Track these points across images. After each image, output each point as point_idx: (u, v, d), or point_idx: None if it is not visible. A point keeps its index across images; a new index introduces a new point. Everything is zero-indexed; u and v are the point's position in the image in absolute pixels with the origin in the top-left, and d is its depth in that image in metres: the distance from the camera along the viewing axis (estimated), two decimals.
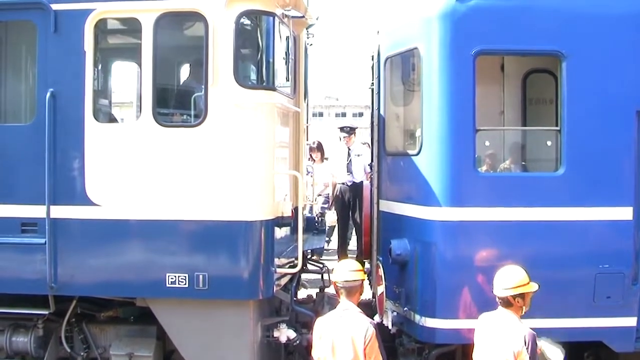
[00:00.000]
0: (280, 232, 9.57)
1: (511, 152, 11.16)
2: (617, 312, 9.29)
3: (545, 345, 8.53)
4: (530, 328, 7.68)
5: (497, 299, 7.97)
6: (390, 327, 10.11)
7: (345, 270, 8.28)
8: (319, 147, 17.36)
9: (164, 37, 9.12)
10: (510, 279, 7.89)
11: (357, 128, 17.47)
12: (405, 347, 9.86)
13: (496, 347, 7.76)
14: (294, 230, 10.00)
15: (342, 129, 17.26)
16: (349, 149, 16.54)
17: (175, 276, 8.82)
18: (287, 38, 10.13)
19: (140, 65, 9.03)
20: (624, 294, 9.32)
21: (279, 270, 9.24)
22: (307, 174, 14.21)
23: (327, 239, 15.94)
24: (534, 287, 7.90)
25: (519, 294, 7.81)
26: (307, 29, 11.67)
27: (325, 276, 11.62)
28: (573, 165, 9.19)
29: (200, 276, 8.80)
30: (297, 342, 9.76)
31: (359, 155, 16.34)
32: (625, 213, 9.27)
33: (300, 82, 11.35)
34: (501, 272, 8.04)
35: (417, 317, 9.51)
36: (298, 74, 11.25)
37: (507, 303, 7.87)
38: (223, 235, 8.85)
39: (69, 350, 9.80)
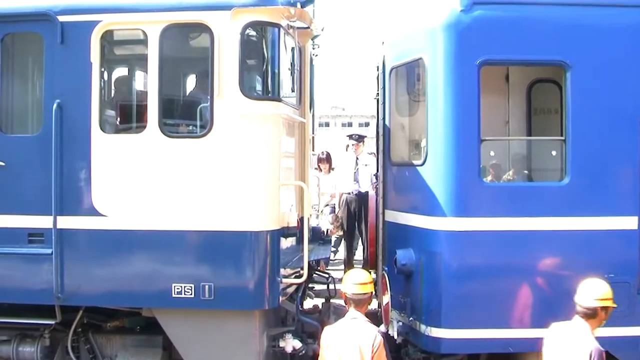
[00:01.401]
0: (286, 243, 9.59)
1: (516, 162, 11.17)
2: (622, 321, 9.24)
3: None
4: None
5: (578, 309, 7.78)
6: (395, 337, 10.10)
7: (355, 282, 8.29)
8: (328, 158, 17.35)
9: (170, 48, 9.18)
10: (599, 289, 7.74)
11: (365, 137, 17.48)
12: (411, 357, 9.85)
13: (569, 357, 7.67)
14: (300, 241, 10.02)
15: (351, 136, 17.27)
16: (357, 158, 16.54)
17: (181, 286, 8.85)
18: (293, 49, 10.16)
19: (146, 76, 9.08)
20: (629, 303, 9.29)
21: (284, 280, 9.25)
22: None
23: (334, 249, 15.96)
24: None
25: (605, 306, 7.74)
26: (312, 39, 11.70)
27: (331, 286, 11.64)
28: (578, 174, 9.19)
29: (206, 286, 8.82)
30: (303, 352, 9.77)
31: (366, 165, 16.33)
32: (630, 222, 9.25)
33: (305, 93, 11.38)
34: (588, 283, 7.87)
35: (423, 327, 9.51)
36: (303, 85, 11.28)
37: (591, 314, 7.69)
38: (229, 245, 8.88)
39: None
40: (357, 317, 8.18)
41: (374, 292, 8.64)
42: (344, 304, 8.61)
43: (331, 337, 8.16)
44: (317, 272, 11.85)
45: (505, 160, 11.19)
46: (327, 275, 11.96)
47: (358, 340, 7.94)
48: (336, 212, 17.00)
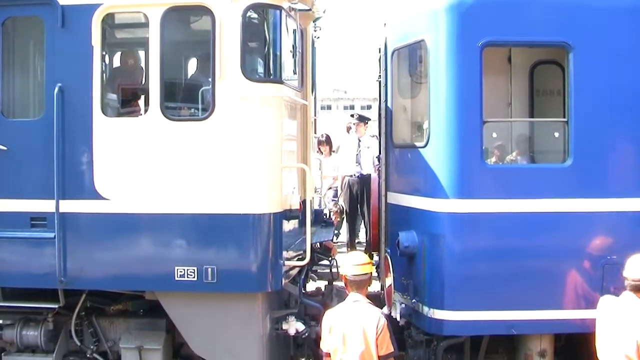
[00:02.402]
0: (289, 225, 9.59)
1: (518, 144, 11.14)
2: None
3: None
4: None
5: (627, 282, 7.97)
6: (398, 319, 10.12)
7: (354, 264, 8.32)
8: (328, 141, 17.31)
9: (171, 31, 9.14)
10: None
11: (369, 119, 17.43)
12: (414, 339, 9.87)
13: (620, 333, 7.76)
14: (302, 223, 10.02)
15: (352, 115, 17.23)
16: (359, 140, 16.51)
17: (184, 269, 8.86)
18: (294, 31, 10.14)
19: (147, 59, 9.06)
20: None
21: (287, 262, 9.26)
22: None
23: (336, 231, 15.99)
24: None
25: None
26: (314, 22, 11.68)
27: (334, 269, 11.65)
28: (581, 156, 9.17)
29: (209, 269, 8.83)
30: (306, 334, 9.80)
31: (368, 147, 16.31)
32: (632, 204, 9.24)
33: (307, 75, 11.36)
34: (635, 258, 8.04)
35: (425, 309, 9.52)
36: (305, 67, 11.26)
37: (638, 288, 7.89)
38: (232, 228, 8.87)
39: (78, 343, 9.86)
40: (359, 299, 8.21)
41: (373, 273, 8.65)
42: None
43: (334, 321, 8.18)
44: (319, 254, 11.84)
45: (508, 142, 11.15)
46: (329, 258, 11.96)
47: (362, 322, 7.96)
48: (338, 196, 17.01)
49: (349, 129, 17.64)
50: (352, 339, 7.95)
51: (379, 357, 8.01)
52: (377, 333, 7.93)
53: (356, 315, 8.04)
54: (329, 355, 8.26)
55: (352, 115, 17.18)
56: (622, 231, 9.28)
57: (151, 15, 8.89)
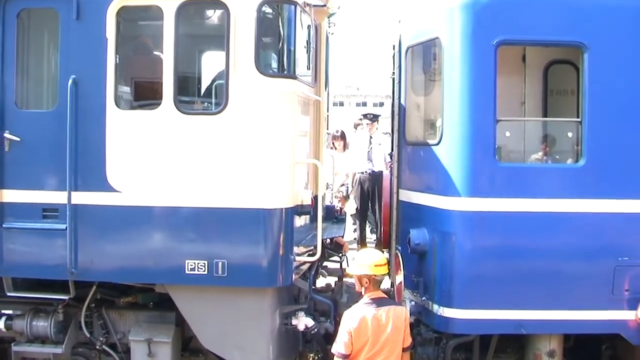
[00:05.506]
0: (300, 221, 9.58)
1: (531, 143, 11.11)
2: (635, 305, 9.23)
3: None
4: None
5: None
6: (408, 316, 10.11)
7: (378, 264, 8.38)
8: (342, 136, 17.27)
9: (186, 25, 9.15)
10: None
11: (380, 116, 17.41)
12: (423, 337, 9.84)
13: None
14: (314, 219, 10.02)
15: (365, 115, 17.21)
16: (371, 137, 16.50)
17: (194, 263, 8.87)
18: (309, 27, 10.12)
19: (161, 53, 9.06)
20: None
21: (298, 258, 9.27)
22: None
23: (354, 226, 16.04)
24: None
25: None
26: (328, 18, 11.65)
27: (344, 265, 11.65)
28: (594, 156, 9.13)
29: (220, 263, 8.84)
30: (315, 330, 9.79)
31: (380, 144, 16.30)
32: None
33: (321, 71, 11.33)
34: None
35: (435, 306, 9.51)
36: (319, 63, 11.24)
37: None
38: (243, 222, 8.88)
39: (88, 335, 9.88)
40: (381, 295, 8.30)
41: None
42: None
43: (364, 321, 8.15)
44: (330, 250, 11.84)
45: (521, 141, 11.12)
46: (340, 254, 11.96)
47: (394, 316, 8.07)
48: (349, 192, 17.01)
49: (356, 126, 17.59)
50: (393, 334, 8.05)
51: (403, 349, 8.16)
52: (405, 323, 8.10)
53: (387, 310, 8.12)
54: (347, 357, 8.19)
55: (365, 116, 17.14)
56: (634, 232, 9.25)
57: (166, 8, 8.89)
